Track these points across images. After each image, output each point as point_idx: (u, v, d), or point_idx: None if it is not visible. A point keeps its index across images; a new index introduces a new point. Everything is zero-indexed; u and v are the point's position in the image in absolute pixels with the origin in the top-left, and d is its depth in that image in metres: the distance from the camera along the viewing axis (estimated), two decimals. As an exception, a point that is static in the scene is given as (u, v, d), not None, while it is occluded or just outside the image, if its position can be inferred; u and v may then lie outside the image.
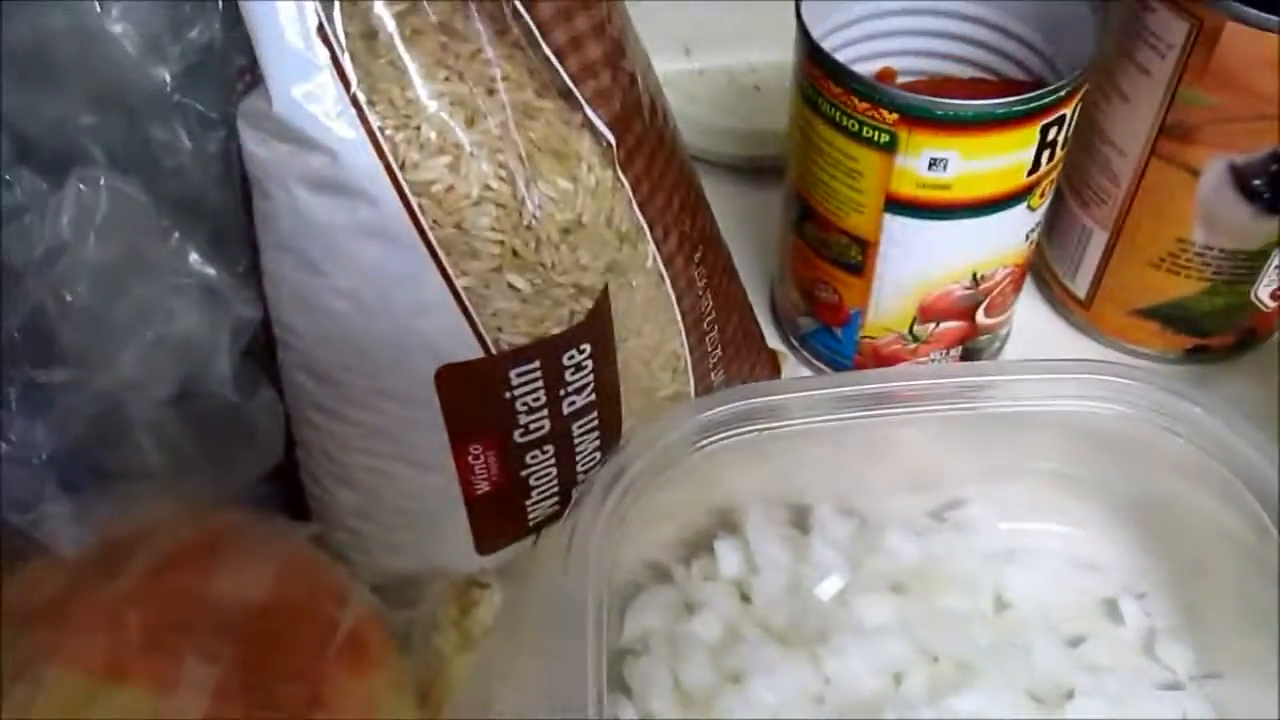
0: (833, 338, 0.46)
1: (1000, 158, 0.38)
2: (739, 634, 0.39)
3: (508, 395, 0.35)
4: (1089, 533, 0.43)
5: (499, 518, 0.39)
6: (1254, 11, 0.37)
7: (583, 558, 0.35)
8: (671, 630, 0.39)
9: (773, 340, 0.49)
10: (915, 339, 0.44)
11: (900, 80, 0.45)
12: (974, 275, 0.42)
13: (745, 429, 0.39)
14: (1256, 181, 0.41)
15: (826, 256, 0.43)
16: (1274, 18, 0.37)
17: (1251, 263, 0.43)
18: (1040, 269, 0.50)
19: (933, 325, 0.44)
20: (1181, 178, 0.42)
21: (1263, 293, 0.45)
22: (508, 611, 0.38)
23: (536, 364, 0.35)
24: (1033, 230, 0.42)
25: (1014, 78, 0.44)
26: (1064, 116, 0.39)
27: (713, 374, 0.41)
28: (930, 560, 0.41)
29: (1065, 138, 0.40)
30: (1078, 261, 0.47)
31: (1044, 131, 0.38)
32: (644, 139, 0.36)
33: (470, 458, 0.36)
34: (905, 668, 0.38)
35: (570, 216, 0.33)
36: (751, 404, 0.39)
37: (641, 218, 0.36)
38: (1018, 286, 0.45)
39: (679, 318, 0.39)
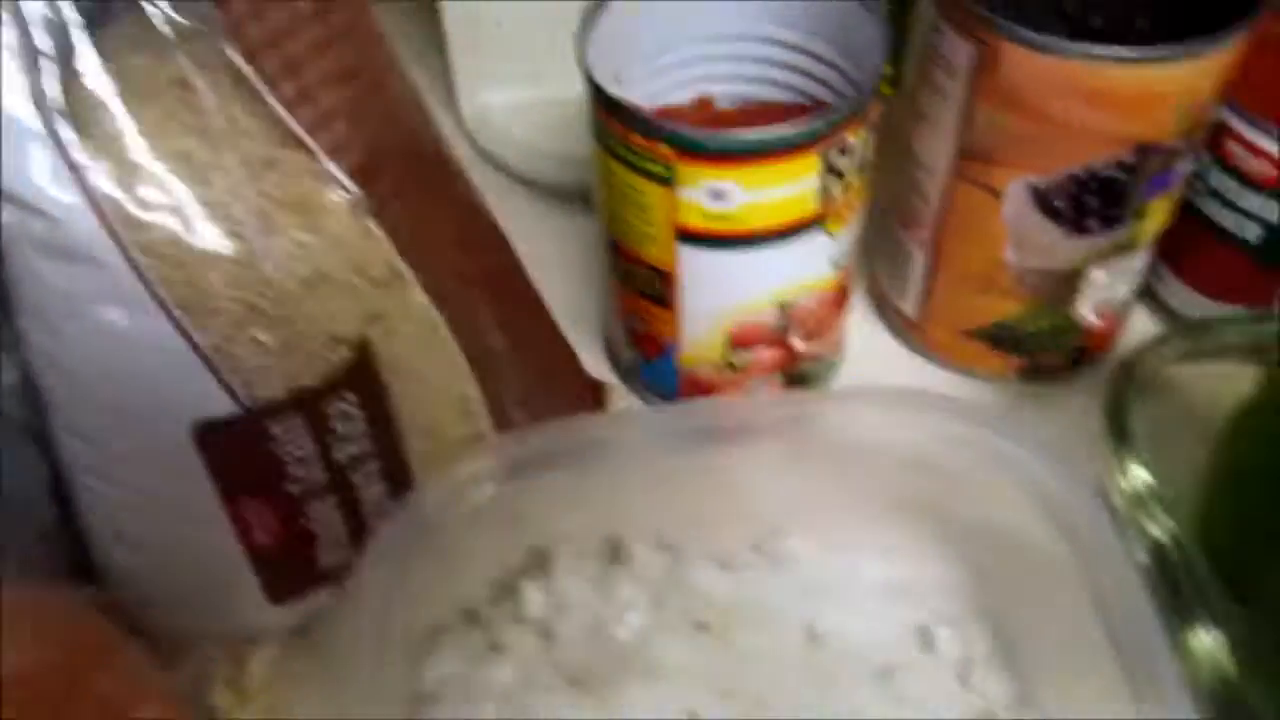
0: (654, 369, 0.45)
1: (782, 187, 0.38)
2: (535, 678, 0.38)
3: (271, 449, 0.35)
4: (909, 563, 0.42)
5: (287, 568, 0.38)
6: (1029, 33, 0.37)
7: (365, 605, 0.35)
8: (469, 676, 0.39)
9: (606, 372, 0.48)
10: (733, 368, 0.44)
11: (720, 106, 0.45)
12: (780, 303, 0.42)
13: (554, 466, 0.39)
14: (1057, 203, 0.40)
15: (634, 288, 0.43)
16: (1049, 39, 0.36)
17: (1068, 282, 0.43)
18: (876, 292, 0.50)
19: (747, 353, 0.43)
20: (985, 199, 0.41)
21: (1086, 310, 0.44)
22: (296, 661, 0.38)
23: (298, 417, 0.35)
24: (841, 256, 0.42)
25: (825, 101, 0.43)
26: (850, 142, 0.38)
27: (513, 411, 0.41)
28: (740, 596, 0.40)
29: (860, 163, 0.39)
30: (904, 283, 0.47)
31: (827, 158, 0.38)
32: (404, 183, 0.35)
33: (245, 512, 0.36)
34: (699, 708, 0.38)
35: (312, 269, 0.33)
36: (558, 441, 0.39)
37: (403, 264, 0.35)
38: (836, 311, 0.44)
39: (462, 359, 0.38)
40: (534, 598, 0.41)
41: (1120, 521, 0.36)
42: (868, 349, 0.49)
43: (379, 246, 0.34)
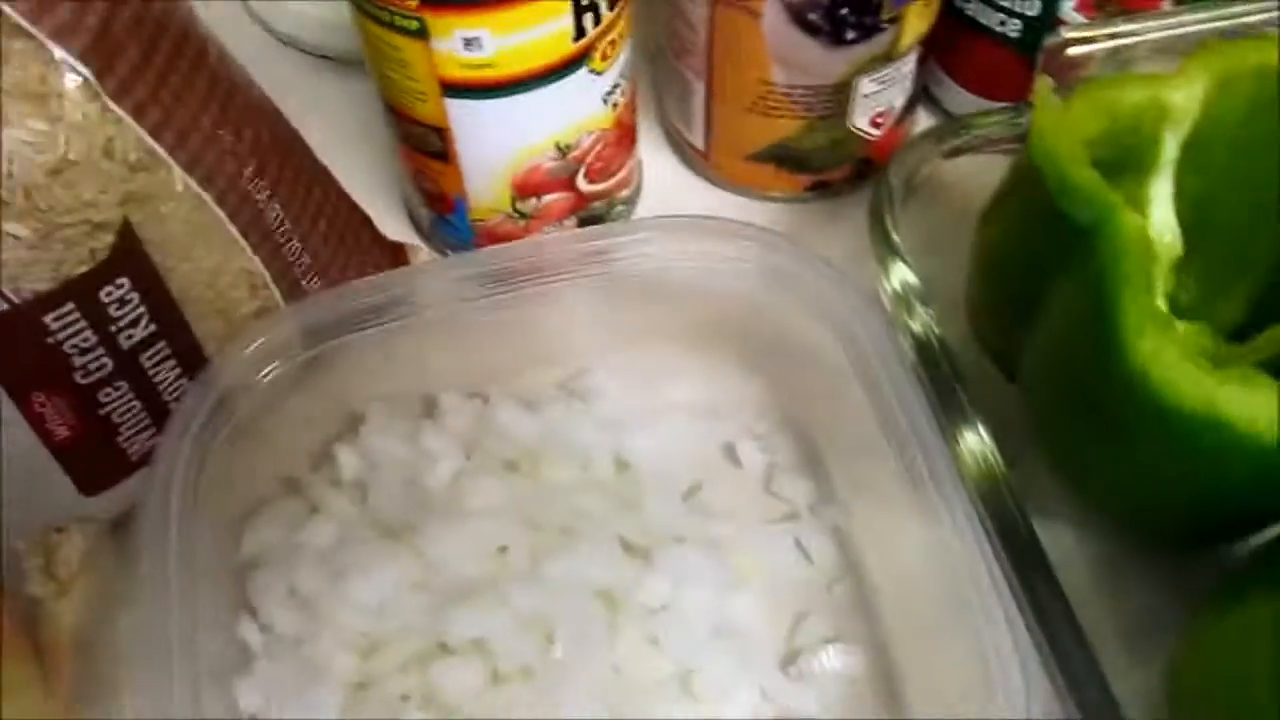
0: (449, 225, 0.46)
1: (534, 29, 0.38)
2: (350, 535, 0.40)
3: (50, 341, 0.35)
4: (712, 385, 0.44)
5: (93, 459, 0.39)
6: None
7: (170, 484, 0.36)
8: (287, 540, 0.40)
9: (410, 234, 0.49)
10: (522, 215, 0.44)
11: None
12: (557, 146, 0.42)
13: (356, 328, 0.40)
14: (812, 16, 0.41)
15: (414, 147, 0.43)
16: None
17: (837, 95, 0.44)
18: (667, 125, 0.50)
19: (535, 200, 0.44)
20: (745, 20, 0.42)
21: (861, 122, 0.45)
22: (109, 546, 0.39)
23: (70, 306, 0.35)
24: (612, 91, 0.42)
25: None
26: (595, -22, 0.38)
27: (305, 281, 0.41)
28: (547, 434, 0.42)
29: (611, -2, 0.40)
30: (689, 114, 0.47)
31: (573, -5, 0.38)
32: (147, 64, 0.35)
33: (38, 407, 0.37)
34: (508, 542, 0.39)
35: (54, 157, 0.33)
36: (354, 302, 0.39)
37: (157, 145, 0.35)
38: (621, 149, 0.45)
39: (239, 236, 0.38)
40: (348, 461, 0.42)
41: (890, 322, 0.38)
42: (663, 183, 0.50)
43: (127, 129, 0.34)
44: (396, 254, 0.46)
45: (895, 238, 0.39)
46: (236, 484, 0.40)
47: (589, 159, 0.43)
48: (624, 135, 0.45)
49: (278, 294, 0.41)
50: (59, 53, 0.32)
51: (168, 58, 0.36)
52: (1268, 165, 0.40)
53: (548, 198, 0.44)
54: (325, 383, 0.41)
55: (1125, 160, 0.39)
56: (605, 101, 0.42)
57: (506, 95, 0.40)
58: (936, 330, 0.37)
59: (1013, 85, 0.46)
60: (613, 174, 0.45)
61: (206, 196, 0.37)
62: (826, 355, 0.39)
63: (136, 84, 0.34)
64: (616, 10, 0.40)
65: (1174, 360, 0.32)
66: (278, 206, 0.40)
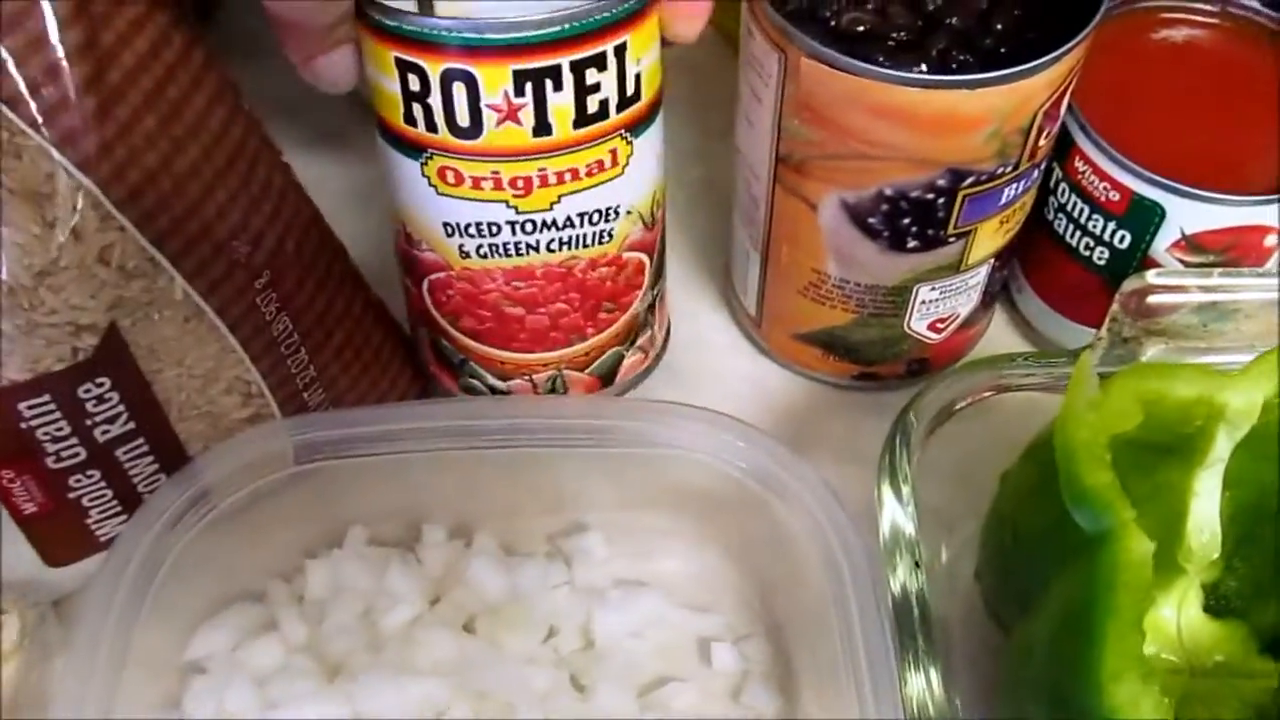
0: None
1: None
2: (294, 664, 0.39)
3: (24, 426, 0.35)
4: (703, 572, 0.42)
5: (59, 535, 0.39)
6: (824, 49, 0.35)
7: (124, 574, 0.36)
8: (234, 653, 0.39)
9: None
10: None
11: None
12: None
13: (354, 451, 0.39)
14: (872, 220, 0.38)
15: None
16: (839, 55, 0.34)
17: (894, 298, 0.41)
18: (726, 280, 0.48)
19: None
20: (803, 210, 0.39)
21: (919, 326, 0.43)
22: (51, 626, 0.39)
23: (46, 398, 0.35)
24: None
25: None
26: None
27: (307, 393, 0.41)
28: (517, 595, 0.40)
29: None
30: (745, 281, 0.45)
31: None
32: (165, 170, 0.35)
33: (6, 481, 0.37)
34: (448, 708, 0.38)
35: (44, 261, 0.33)
36: (357, 426, 0.39)
37: (159, 254, 0.35)
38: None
39: (237, 346, 0.38)
40: (316, 579, 0.41)
41: (873, 554, 0.36)
42: (715, 341, 0.48)
43: (129, 238, 0.34)
44: (420, 373, 0.46)
45: (900, 479, 0.36)
46: (203, 583, 0.40)
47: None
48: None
49: (274, 403, 0.40)
50: (62, 159, 0.32)
51: (193, 164, 0.35)
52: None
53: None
54: (312, 496, 0.40)
55: (1176, 445, 0.35)
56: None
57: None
58: (917, 583, 0.34)
59: (1094, 310, 0.43)
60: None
61: (207, 306, 0.37)
62: (810, 570, 0.37)
63: (146, 192, 0.34)
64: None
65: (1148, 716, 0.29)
66: (287, 319, 0.39)
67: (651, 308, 0.45)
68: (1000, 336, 0.48)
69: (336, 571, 0.41)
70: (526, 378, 0.45)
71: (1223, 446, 0.34)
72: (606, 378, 0.46)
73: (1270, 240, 0.40)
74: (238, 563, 0.41)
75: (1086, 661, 0.30)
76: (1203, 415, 0.34)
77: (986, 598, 0.37)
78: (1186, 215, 0.39)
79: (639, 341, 0.46)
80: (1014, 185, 0.38)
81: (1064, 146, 0.41)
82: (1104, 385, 0.33)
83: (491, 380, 0.45)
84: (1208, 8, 0.43)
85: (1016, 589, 0.35)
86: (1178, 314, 0.39)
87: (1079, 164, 0.41)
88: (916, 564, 0.35)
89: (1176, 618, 0.37)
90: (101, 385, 0.36)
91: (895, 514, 0.35)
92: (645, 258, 0.43)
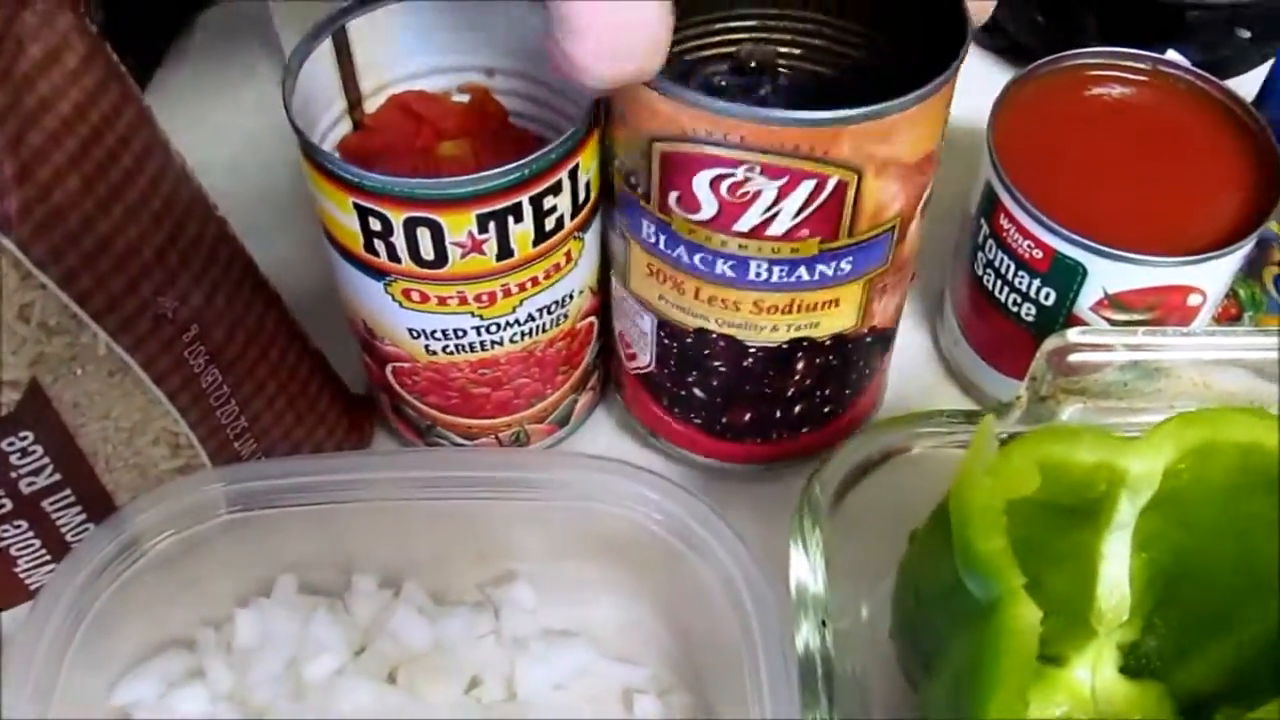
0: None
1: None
2: (216, 713, 0.39)
3: (-50, 479, 0.36)
4: (631, 623, 0.42)
5: (-13, 583, 0.40)
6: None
7: (48, 622, 0.36)
8: (159, 701, 0.40)
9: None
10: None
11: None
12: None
13: (287, 501, 0.39)
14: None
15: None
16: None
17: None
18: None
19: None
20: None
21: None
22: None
23: (-32, 452, 0.36)
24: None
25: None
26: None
27: (239, 442, 0.41)
28: (441, 646, 0.41)
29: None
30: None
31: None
32: (88, 230, 0.35)
33: (-65, 532, 0.38)
34: (363, 760, 0.38)
35: (-40, 319, 0.33)
36: (286, 480, 0.39)
37: (82, 311, 0.35)
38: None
39: (164, 399, 0.38)
40: (245, 628, 0.41)
41: (789, 616, 0.36)
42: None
43: (50, 295, 0.34)
44: (357, 419, 0.46)
45: (807, 536, 0.36)
46: (133, 630, 0.40)
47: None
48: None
49: (204, 454, 0.41)
50: (-21, 220, 0.33)
51: (117, 223, 0.36)
52: (1257, 541, 0.36)
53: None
54: (245, 544, 0.41)
55: (1083, 509, 0.35)
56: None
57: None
58: (819, 640, 0.34)
59: (1026, 365, 0.43)
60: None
61: (132, 361, 0.37)
62: (726, 624, 0.37)
63: (68, 251, 0.35)
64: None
65: (1028, 788, 0.29)
66: (217, 371, 0.40)
67: (599, 354, 0.46)
68: (938, 388, 0.48)
69: (265, 620, 0.41)
70: (491, 435, 0.45)
71: (1126, 511, 0.34)
72: (563, 422, 0.47)
73: (1194, 300, 0.40)
74: (169, 611, 0.41)
75: (973, 729, 0.30)
76: (1105, 480, 0.34)
77: (899, 655, 0.37)
78: (1108, 274, 0.39)
79: (589, 384, 0.46)
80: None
81: (990, 203, 0.41)
82: (1003, 449, 0.33)
83: (457, 439, 0.46)
84: (1137, 66, 0.43)
85: (920, 649, 0.35)
86: (1103, 372, 0.39)
87: (1004, 221, 0.41)
88: (823, 622, 0.35)
89: (1091, 678, 0.38)
90: (25, 439, 0.36)
91: (801, 572, 0.36)
92: (595, 319, 0.44)
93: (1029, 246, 0.40)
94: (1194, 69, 0.42)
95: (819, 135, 0.33)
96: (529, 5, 0.40)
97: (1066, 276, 0.40)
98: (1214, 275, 0.40)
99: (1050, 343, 0.38)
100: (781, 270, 0.37)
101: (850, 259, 0.37)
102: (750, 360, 0.40)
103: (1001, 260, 0.42)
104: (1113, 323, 0.41)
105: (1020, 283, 0.42)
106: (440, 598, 0.43)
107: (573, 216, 0.38)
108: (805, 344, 0.40)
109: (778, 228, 0.35)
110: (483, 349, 0.41)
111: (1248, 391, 0.40)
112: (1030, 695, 0.36)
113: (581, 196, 0.38)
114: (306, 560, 0.43)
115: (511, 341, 0.41)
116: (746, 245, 0.36)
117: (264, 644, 0.41)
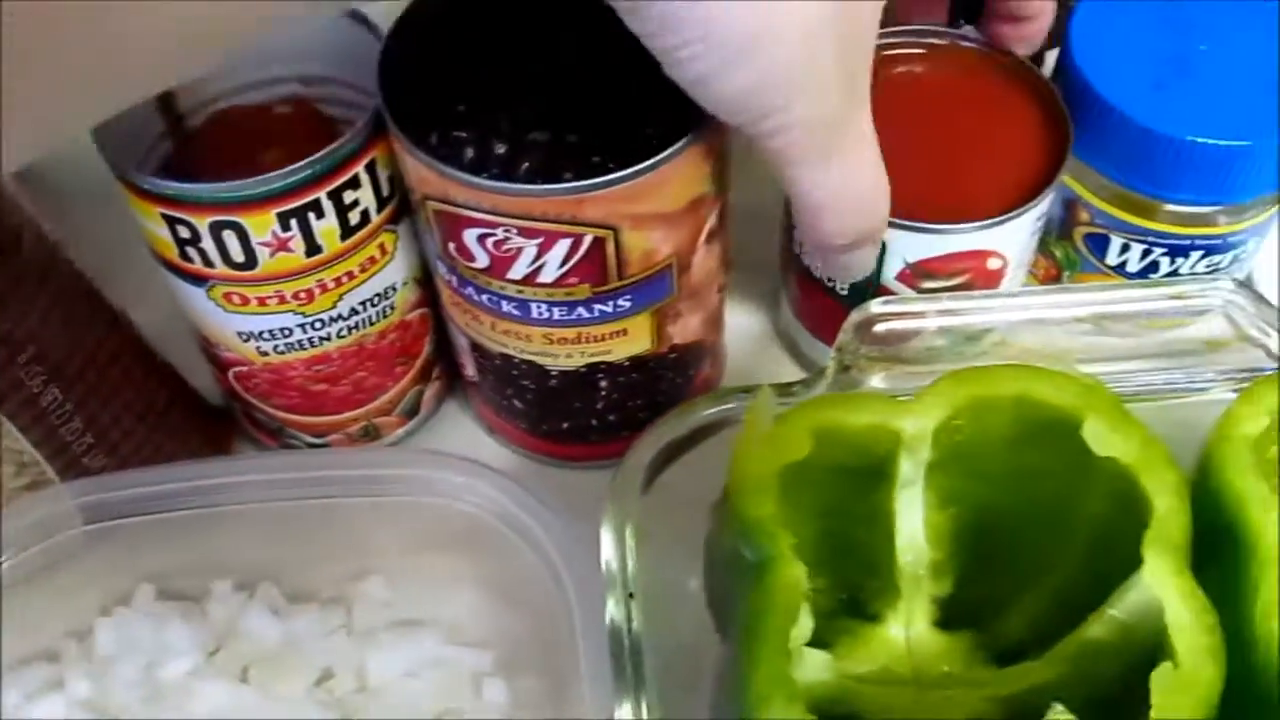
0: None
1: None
2: (74, 717, 0.41)
3: None
4: (484, 610, 0.44)
5: None
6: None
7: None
8: (15, 710, 0.41)
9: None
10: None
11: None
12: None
13: (140, 511, 0.41)
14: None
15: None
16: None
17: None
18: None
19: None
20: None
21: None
22: None
23: None
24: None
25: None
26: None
27: (87, 458, 0.43)
28: (291, 643, 0.42)
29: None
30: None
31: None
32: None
33: None
34: (216, 759, 0.40)
35: None
36: (138, 490, 0.41)
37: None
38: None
39: (2, 419, 0.40)
40: (105, 636, 0.43)
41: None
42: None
43: None
44: (214, 429, 0.47)
45: (618, 512, 0.37)
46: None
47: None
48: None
49: (51, 471, 0.42)
50: None
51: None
52: (1045, 490, 0.37)
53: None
54: (107, 555, 0.42)
55: (873, 470, 0.37)
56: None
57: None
58: (624, 615, 0.35)
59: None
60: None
61: (-39, 385, 0.39)
62: (557, 605, 0.39)
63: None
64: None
65: (791, 736, 0.30)
66: (57, 390, 0.41)
67: (439, 344, 0.47)
68: (780, 366, 0.50)
69: (123, 628, 0.43)
70: (341, 432, 0.47)
71: (909, 469, 0.36)
72: (412, 413, 0.48)
73: (994, 264, 0.42)
74: (35, 624, 0.43)
75: (746, 684, 0.31)
76: (883, 442, 0.35)
77: (715, 624, 0.39)
78: (905, 245, 0.41)
79: (434, 374, 0.48)
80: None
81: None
82: (780, 419, 0.34)
83: (309, 439, 0.47)
84: (932, 42, 0.44)
85: (723, 616, 0.36)
86: (921, 338, 0.40)
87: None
88: (630, 595, 0.36)
89: (905, 633, 0.39)
90: None
91: (607, 550, 0.37)
92: (427, 310, 0.45)
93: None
94: (986, 40, 0.43)
95: (563, 203, 0.35)
96: (341, 13, 0.41)
97: (869, 249, 0.41)
98: (1009, 238, 0.41)
99: (855, 315, 0.39)
100: (561, 310, 0.39)
101: (628, 297, 0.39)
102: (554, 381, 0.42)
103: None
104: (924, 290, 0.43)
105: (833, 258, 0.43)
106: (299, 596, 0.44)
107: (379, 210, 0.40)
108: (604, 367, 0.42)
109: (546, 277, 0.38)
110: (312, 345, 0.42)
111: (1087, 347, 0.41)
112: (846, 653, 0.39)
113: (386, 190, 0.40)
114: (168, 567, 0.44)
115: (339, 336, 0.42)
116: (523, 290, 0.38)
117: (123, 651, 0.42)
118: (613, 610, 0.36)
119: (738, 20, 0.29)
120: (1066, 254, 0.46)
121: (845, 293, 0.44)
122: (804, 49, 0.30)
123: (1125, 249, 0.44)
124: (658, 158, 0.35)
